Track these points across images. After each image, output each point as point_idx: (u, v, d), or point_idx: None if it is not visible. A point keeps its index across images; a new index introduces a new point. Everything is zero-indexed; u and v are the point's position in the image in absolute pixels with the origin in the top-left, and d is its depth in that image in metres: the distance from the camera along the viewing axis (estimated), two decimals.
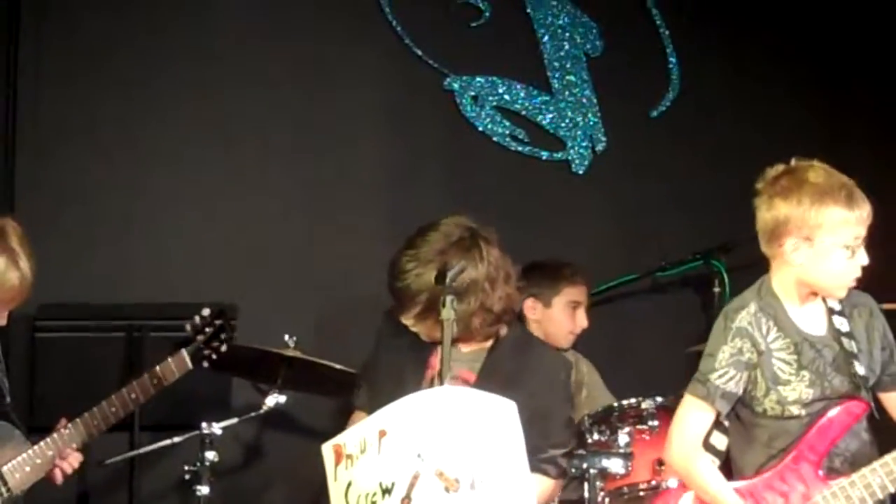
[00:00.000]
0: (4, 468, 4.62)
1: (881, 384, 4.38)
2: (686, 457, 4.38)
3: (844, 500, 4.25)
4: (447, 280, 4.10)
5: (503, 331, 4.53)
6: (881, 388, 4.38)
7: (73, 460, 4.68)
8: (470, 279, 4.35)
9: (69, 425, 4.63)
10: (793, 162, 4.35)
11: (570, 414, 4.79)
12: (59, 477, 4.70)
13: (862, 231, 4.28)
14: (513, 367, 4.38)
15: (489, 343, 4.53)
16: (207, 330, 4.79)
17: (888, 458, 4.24)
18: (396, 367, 4.50)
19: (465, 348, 4.51)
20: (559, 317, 6.16)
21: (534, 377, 4.30)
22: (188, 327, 4.79)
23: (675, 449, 4.41)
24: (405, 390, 4.21)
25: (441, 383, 4.07)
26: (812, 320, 4.38)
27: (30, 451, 4.64)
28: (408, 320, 4.47)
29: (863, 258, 4.30)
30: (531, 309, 6.16)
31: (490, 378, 4.35)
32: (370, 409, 4.38)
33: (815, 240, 4.26)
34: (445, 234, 4.45)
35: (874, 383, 4.36)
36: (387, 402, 4.29)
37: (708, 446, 4.48)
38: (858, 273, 4.32)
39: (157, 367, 4.71)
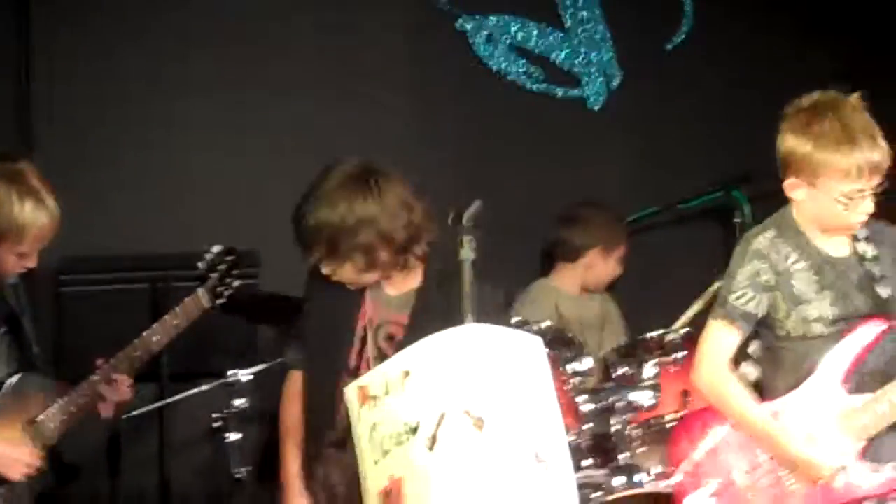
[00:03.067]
0: (39, 418, 4.68)
1: None
2: (713, 378, 4.41)
3: (871, 414, 4.28)
4: (464, 219, 4.07)
5: (420, 269, 4.48)
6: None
7: (123, 388, 4.68)
8: (365, 213, 4.29)
9: (98, 372, 4.65)
10: (825, 94, 4.31)
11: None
12: (105, 409, 4.72)
13: (864, 184, 4.23)
14: (443, 301, 4.27)
15: (415, 284, 4.48)
16: (220, 267, 4.79)
17: None
18: (327, 321, 4.47)
19: (392, 292, 4.47)
20: (612, 267, 6.33)
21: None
22: (200, 265, 4.79)
23: (702, 371, 4.44)
24: (336, 342, 4.34)
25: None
26: (834, 244, 4.39)
27: (62, 400, 4.67)
28: (325, 268, 4.40)
29: (867, 207, 4.28)
30: (595, 256, 6.28)
31: (423, 317, 4.30)
32: (306, 368, 4.50)
33: (815, 185, 4.28)
34: (341, 172, 4.39)
35: None
36: (322, 359, 4.43)
37: (739, 376, 4.50)
38: (859, 221, 4.31)
39: (176, 308, 4.73)
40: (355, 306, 4.48)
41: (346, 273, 4.41)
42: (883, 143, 4.25)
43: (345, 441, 4.26)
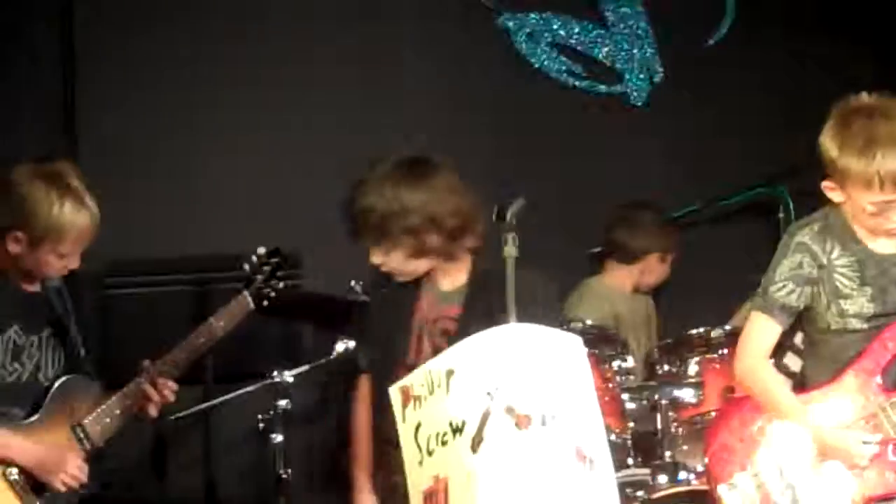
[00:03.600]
0: (86, 420, 4.70)
1: None
2: (750, 367, 4.43)
3: None
4: (508, 216, 4.05)
5: (471, 265, 4.48)
6: None
7: (167, 390, 4.68)
8: (413, 198, 4.31)
9: (143, 374, 4.65)
10: (866, 98, 4.26)
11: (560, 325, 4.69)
12: (153, 410, 4.72)
13: (891, 198, 4.18)
14: (496, 295, 4.16)
15: (465, 278, 4.48)
16: (265, 268, 4.79)
17: None
18: (386, 320, 4.49)
19: (445, 286, 4.48)
20: (665, 270, 6.38)
21: (519, 300, 4.08)
22: (246, 267, 4.79)
23: (742, 360, 4.46)
24: (392, 339, 4.36)
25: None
26: (882, 241, 4.37)
27: (109, 402, 4.68)
28: (375, 258, 4.40)
29: (893, 223, 4.25)
30: (651, 260, 6.31)
31: (473, 312, 4.32)
32: (372, 370, 4.50)
33: (843, 189, 4.26)
34: (390, 161, 4.41)
35: None
36: (379, 353, 4.45)
37: (781, 366, 4.58)
38: (891, 228, 4.28)
39: (221, 309, 4.73)
40: (412, 302, 4.49)
41: (396, 260, 4.40)
42: None
43: None
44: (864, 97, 4.28)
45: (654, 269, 6.33)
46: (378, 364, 4.49)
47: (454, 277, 4.47)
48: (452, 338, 4.16)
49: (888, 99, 4.27)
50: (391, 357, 4.43)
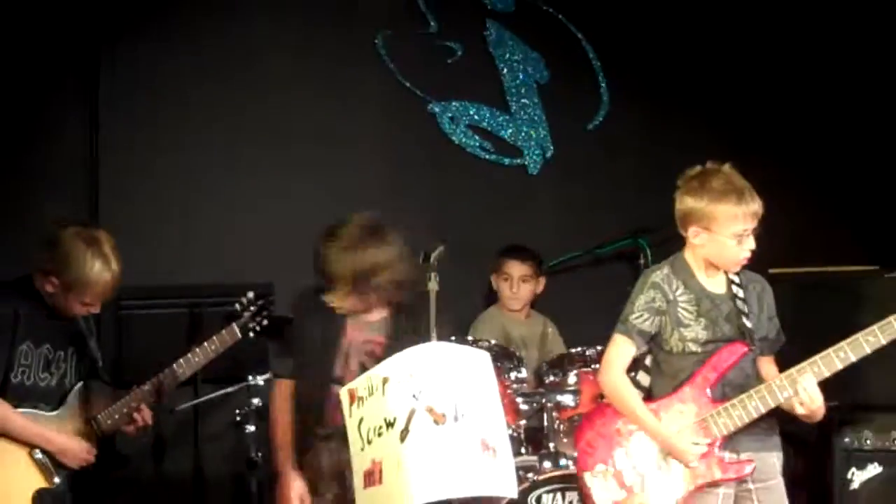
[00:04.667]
0: (100, 415, 4.69)
1: (760, 349, 4.40)
2: (612, 379, 4.43)
3: (727, 417, 4.29)
4: (431, 258, 4.03)
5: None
6: (759, 354, 4.41)
7: (148, 416, 4.71)
8: (382, 260, 4.26)
9: (148, 382, 4.67)
10: (707, 165, 4.35)
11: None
12: (132, 430, 4.73)
13: (749, 225, 4.28)
14: (411, 324, 4.28)
15: (386, 312, 4.43)
16: (252, 308, 4.79)
17: (762, 387, 4.28)
18: (318, 340, 4.41)
19: (371, 318, 4.42)
20: (500, 287, 6.29)
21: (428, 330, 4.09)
22: (237, 306, 4.79)
23: (605, 374, 4.46)
24: (324, 358, 4.30)
25: (427, 340, 3.99)
26: (714, 283, 4.41)
27: (118, 402, 4.69)
28: (336, 300, 4.33)
29: (750, 244, 4.32)
30: (493, 281, 6.28)
31: (398, 337, 4.29)
32: (298, 376, 4.44)
33: (711, 230, 4.30)
34: (358, 226, 4.34)
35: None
36: (313, 369, 4.37)
37: (634, 381, 4.55)
38: (747, 255, 4.34)
39: (215, 337, 4.74)
40: (340, 329, 4.43)
41: (350, 304, 4.36)
42: (757, 197, 4.29)
43: (331, 435, 4.28)
44: (709, 164, 4.35)
45: (503, 292, 6.27)
46: (308, 374, 4.42)
47: (377, 311, 4.44)
48: (379, 358, 4.11)
49: (720, 165, 4.34)
50: (322, 370, 4.39)
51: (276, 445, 4.48)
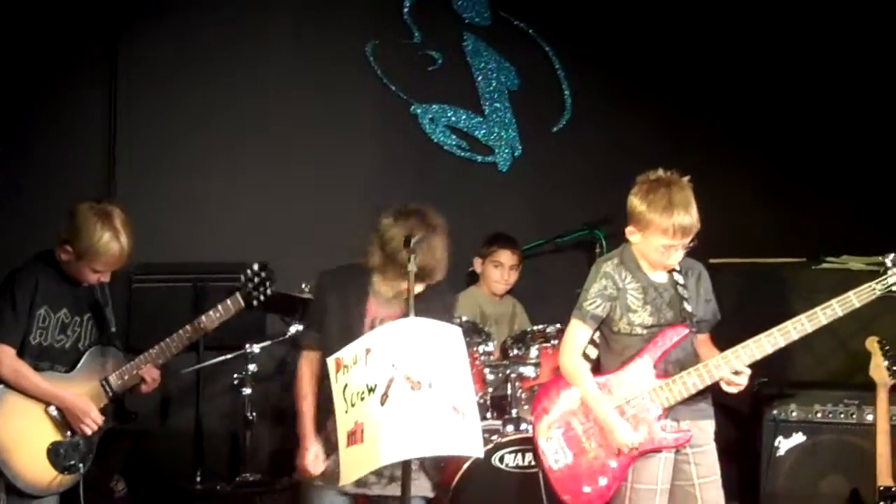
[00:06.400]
0: (110, 377, 4.67)
1: (698, 329, 4.40)
2: (569, 360, 4.44)
3: (668, 391, 4.32)
4: (412, 244, 3.97)
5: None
6: (697, 332, 4.40)
7: (155, 374, 4.67)
8: (430, 258, 4.11)
9: (156, 346, 4.64)
10: (665, 173, 4.28)
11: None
12: (144, 388, 4.70)
13: (677, 241, 4.23)
14: (424, 305, 4.03)
15: (402, 289, 4.18)
16: (255, 279, 4.69)
17: (699, 365, 4.31)
18: (343, 315, 4.27)
19: (389, 294, 4.24)
20: (490, 271, 6.24)
21: (435, 310, 4.06)
22: (242, 277, 4.69)
23: (563, 356, 4.47)
24: (351, 332, 4.11)
25: (402, 317, 3.88)
26: (657, 273, 4.40)
27: (127, 365, 4.68)
28: (384, 282, 4.22)
29: (676, 257, 4.29)
30: (477, 264, 6.26)
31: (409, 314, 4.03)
32: (322, 348, 4.22)
33: (643, 234, 4.29)
34: (412, 213, 4.24)
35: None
36: (337, 341, 4.03)
37: (584, 356, 4.53)
38: (671, 263, 4.32)
39: (219, 305, 4.67)
40: (363, 304, 4.31)
41: (390, 282, 4.21)
42: (695, 214, 4.22)
43: None
44: (661, 172, 4.30)
45: (483, 272, 6.23)
46: (334, 346, 4.11)
47: (395, 288, 4.26)
48: None
49: (677, 175, 4.29)
50: (346, 342, 4.10)
51: (300, 412, 4.34)
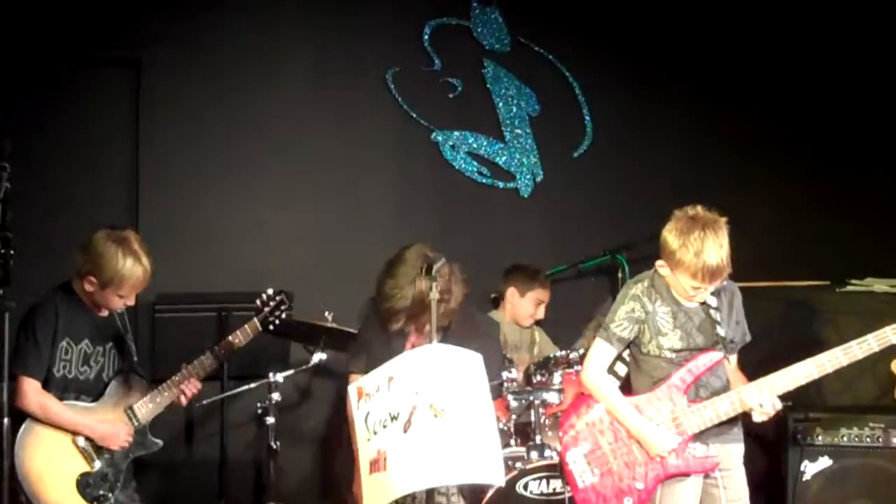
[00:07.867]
0: (135, 405, 4.69)
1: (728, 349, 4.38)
2: (595, 379, 4.44)
3: (699, 417, 4.31)
4: (433, 271, 4.03)
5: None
6: (728, 352, 4.39)
7: (193, 387, 4.72)
8: (434, 294, 4.06)
9: (183, 370, 4.68)
10: (705, 213, 4.23)
11: (499, 356, 4.72)
12: (184, 400, 4.73)
13: (705, 285, 4.22)
14: (461, 335, 4.26)
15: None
16: (271, 303, 4.77)
17: (732, 392, 4.29)
18: (387, 343, 4.39)
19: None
20: (526, 306, 6.23)
21: (475, 339, 4.15)
22: (258, 302, 4.76)
23: (587, 373, 4.46)
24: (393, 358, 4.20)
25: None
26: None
27: (152, 393, 4.70)
28: (396, 325, 4.36)
29: (702, 297, 4.29)
30: (511, 294, 6.23)
31: (447, 342, 4.15)
32: (366, 373, 4.26)
33: (673, 270, 4.28)
34: (412, 266, 4.32)
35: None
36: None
37: (612, 372, 4.51)
38: (699, 300, 4.32)
39: (237, 331, 4.72)
40: (406, 335, 4.43)
41: (415, 324, 4.34)
42: (726, 258, 4.19)
43: None
44: (700, 210, 4.25)
45: (517, 303, 6.24)
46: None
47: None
48: None
49: (715, 214, 4.25)
50: None
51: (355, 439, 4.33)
